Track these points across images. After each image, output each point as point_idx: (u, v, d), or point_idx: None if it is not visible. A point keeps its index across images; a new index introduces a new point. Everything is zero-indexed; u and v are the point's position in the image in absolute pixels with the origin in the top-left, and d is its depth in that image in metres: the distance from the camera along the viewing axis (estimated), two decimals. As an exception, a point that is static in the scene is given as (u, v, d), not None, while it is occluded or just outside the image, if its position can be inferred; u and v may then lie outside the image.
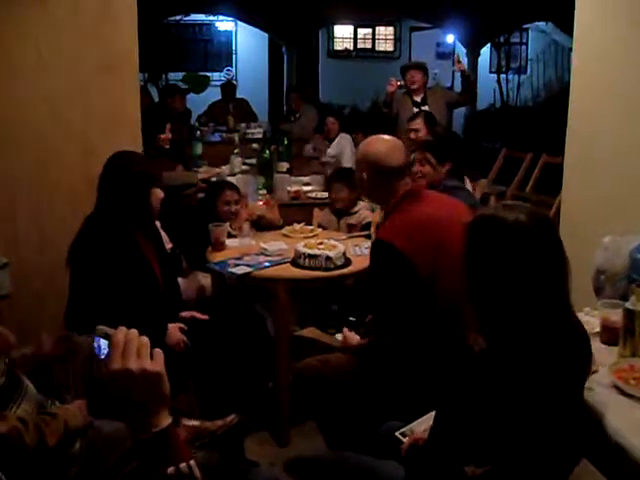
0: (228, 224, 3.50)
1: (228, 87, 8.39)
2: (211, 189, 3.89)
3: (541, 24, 12.95)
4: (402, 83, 5.50)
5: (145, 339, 1.10)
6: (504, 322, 1.63)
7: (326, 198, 4.47)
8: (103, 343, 1.19)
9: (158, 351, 1.10)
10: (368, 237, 3.64)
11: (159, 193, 2.74)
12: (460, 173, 3.69)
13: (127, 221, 2.66)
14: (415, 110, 5.17)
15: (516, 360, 1.59)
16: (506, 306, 1.62)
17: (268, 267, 3.10)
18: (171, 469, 1.04)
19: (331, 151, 6.04)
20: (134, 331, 1.11)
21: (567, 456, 1.72)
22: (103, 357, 1.17)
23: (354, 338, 2.63)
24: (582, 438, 1.75)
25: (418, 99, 5.36)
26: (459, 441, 1.65)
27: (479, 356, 1.67)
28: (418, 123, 4.45)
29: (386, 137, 2.64)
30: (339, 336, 2.82)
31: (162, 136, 4.62)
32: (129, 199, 2.64)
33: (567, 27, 4.16)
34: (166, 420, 1.08)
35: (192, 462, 1.07)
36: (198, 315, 2.94)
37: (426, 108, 5.21)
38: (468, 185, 4.03)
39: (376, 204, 2.86)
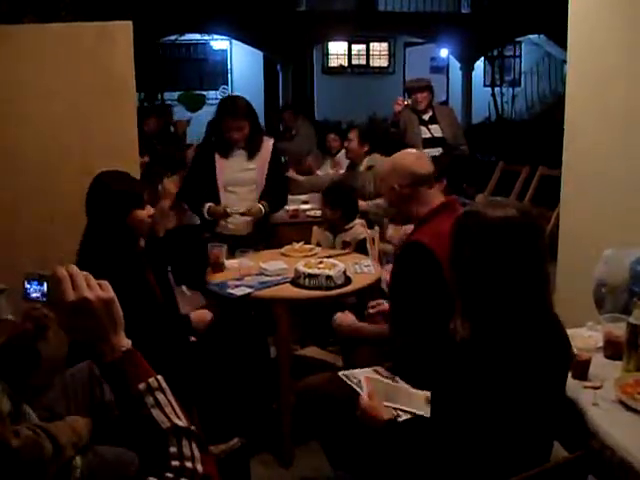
0: (226, 246, 3.46)
1: None
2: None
3: (534, 37, 13.06)
4: (409, 102, 5.49)
5: (87, 273, 1.13)
6: (487, 313, 1.73)
7: (325, 216, 4.44)
8: (41, 286, 1.17)
9: (104, 282, 1.14)
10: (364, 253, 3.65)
11: (141, 214, 2.66)
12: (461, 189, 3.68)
13: (115, 241, 2.60)
14: (422, 128, 5.24)
15: (496, 349, 1.67)
16: (488, 297, 1.72)
17: (268, 287, 3.09)
18: (142, 385, 1.10)
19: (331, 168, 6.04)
20: (73, 265, 1.13)
21: (542, 443, 1.78)
22: (44, 299, 1.17)
23: (348, 317, 2.74)
24: (557, 426, 1.82)
25: (426, 117, 5.36)
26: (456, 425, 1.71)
27: (460, 345, 1.75)
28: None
29: (410, 150, 2.82)
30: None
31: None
32: (109, 218, 2.59)
33: (560, 39, 4.19)
34: (128, 341, 1.14)
35: (159, 376, 1.13)
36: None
37: (436, 126, 5.24)
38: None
39: (403, 217, 2.76)
